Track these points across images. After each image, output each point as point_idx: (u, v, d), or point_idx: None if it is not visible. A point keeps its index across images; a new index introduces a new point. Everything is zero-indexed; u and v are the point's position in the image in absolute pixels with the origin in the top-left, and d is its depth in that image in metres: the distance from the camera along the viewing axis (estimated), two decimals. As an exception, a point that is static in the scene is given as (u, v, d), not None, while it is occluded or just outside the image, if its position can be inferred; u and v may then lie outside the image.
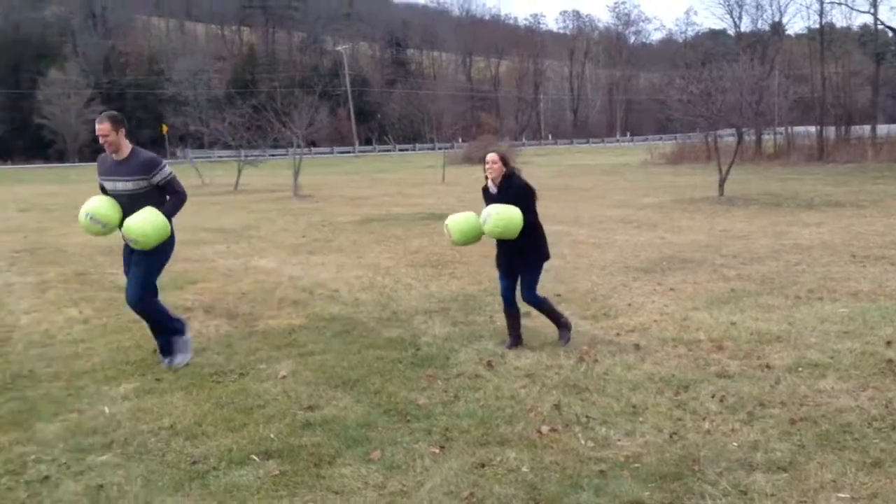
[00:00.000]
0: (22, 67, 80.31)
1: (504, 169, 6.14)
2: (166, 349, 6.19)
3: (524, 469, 4.01)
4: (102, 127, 5.81)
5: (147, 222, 5.79)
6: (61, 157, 77.62)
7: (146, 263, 6.01)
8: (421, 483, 3.88)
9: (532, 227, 6.12)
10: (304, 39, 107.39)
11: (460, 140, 65.46)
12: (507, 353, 6.15)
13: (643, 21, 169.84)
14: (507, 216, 5.94)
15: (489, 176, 6.19)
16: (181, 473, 4.07)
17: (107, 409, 5.12)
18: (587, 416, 4.72)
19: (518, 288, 6.38)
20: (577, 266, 10.20)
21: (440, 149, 61.03)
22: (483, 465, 4.06)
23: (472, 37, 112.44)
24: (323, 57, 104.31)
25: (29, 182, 43.83)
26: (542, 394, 5.18)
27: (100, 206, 5.97)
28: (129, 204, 5.92)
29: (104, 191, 6.16)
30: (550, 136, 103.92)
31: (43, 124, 76.47)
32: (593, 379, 5.45)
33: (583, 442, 4.35)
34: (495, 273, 9.63)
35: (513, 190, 6.12)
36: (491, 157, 6.17)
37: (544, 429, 4.53)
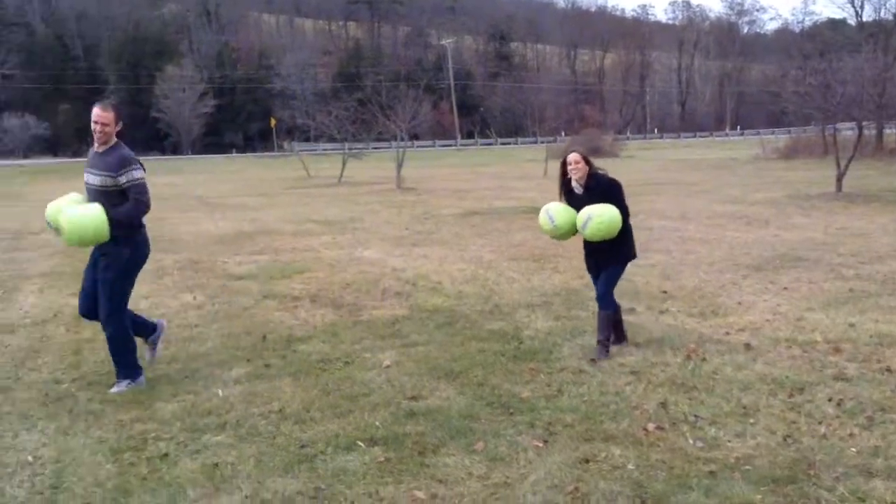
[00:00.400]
0: (141, 64, 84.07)
1: (588, 168, 5.95)
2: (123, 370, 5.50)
3: (630, 466, 3.94)
4: (105, 115, 5.28)
5: (75, 210, 5.21)
6: (176, 150, 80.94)
7: (109, 275, 5.34)
8: (524, 476, 3.87)
9: (626, 223, 5.95)
10: (409, 33, 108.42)
11: (563, 134, 64.88)
12: (611, 348, 6.04)
13: (757, 10, 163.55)
14: (606, 218, 5.75)
15: (573, 177, 5.98)
16: (290, 456, 4.18)
17: (220, 392, 5.30)
18: (695, 416, 4.60)
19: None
20: (684, 262, 9.96)
21: (542, 142, 60.67)
22: (587, 461, 4.02)
23: (577, 29, 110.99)
24: (427, 51, 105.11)
25: (146, 173, 45.83)
26: (647, 391, 5.08)
27: (51, 211, 5.36)
28: (91, 201, 5.34)
29: None
30: (656, 130, 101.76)
31: (159, 118, 79.94)
32: (701, 378, 5.31)
33: (691, 441, 4.24)
34: (599, 268, 9.58)
35: (601, 187, 5.92)
36: (573, 157, 5.97)
37: (650, 427, 4.44)
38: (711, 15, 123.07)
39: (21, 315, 7.98)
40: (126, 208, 5.28)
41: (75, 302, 8.65)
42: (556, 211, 6.10)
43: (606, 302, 6.00)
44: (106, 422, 4.79)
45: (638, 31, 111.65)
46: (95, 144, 5.35)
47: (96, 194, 5.28)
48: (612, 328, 6.14)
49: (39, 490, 3.86)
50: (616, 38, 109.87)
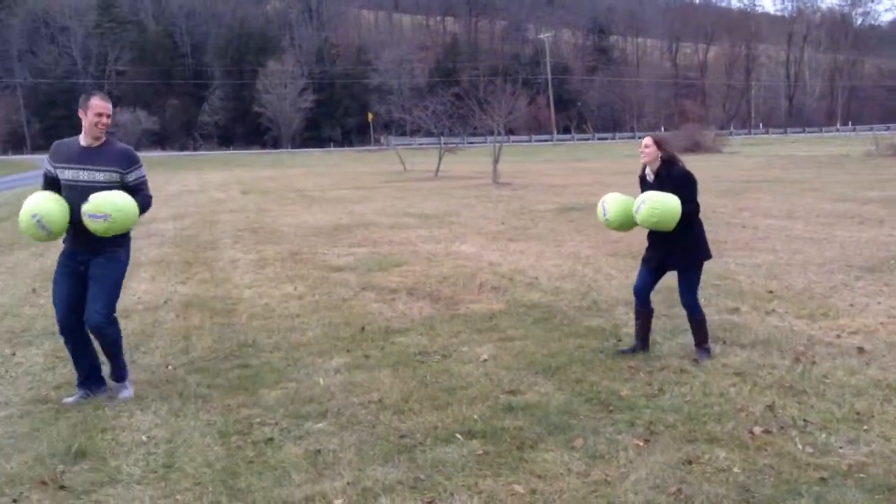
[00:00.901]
0: (245, 60, 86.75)
1: (659, 153, 5.66)
2: (92, 377, 5.25)
3: (735, 470, 3.83)
4: (109, 107, 5.03)
5: (119, 197, 4.87)
6: (276, 143, 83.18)
7: (112, 273, 5.07)
8: (625, 474, 3.81)
9: (692, 219, 5.63)
10: (506, 27, 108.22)
11: (663, 129, 63.53)
12: (713, 349, 5.88)
13: (872, 2, 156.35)
14: (662, 204, 5.41)
15: (643, 161, 5.75)
16: (390, 446, 4.23)
17: (321, 381, 5.41)
18: (805, 420, 4.43)
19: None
20: (792, 262, 9.61)
21: (641, 137, 59.60)
22: (690, 462, 3.92)
23: (680, 21, 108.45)
24: (524, 45, 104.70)
25: (248, 166, 47.30)
26: (753, 394, 4.92)
27: (50, 210, 4.87)
28: (76, 200, 4.90)
29: (52, 185, 5.10)
30: (761, 125, 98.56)
31: (261, 112, 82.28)
32: (811, 381, 5.11)
33: (800, 447, 4.09)
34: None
35: (672, 177, 5.63)
36: (645, 140, 5.74)
37: (756, 430, 4.30)
38: (823, 6, 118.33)
39: (134, 301, 8.33)
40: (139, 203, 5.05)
41: (184, 290, 9.05)
42: (610, 202, 5.91)
43: (696, 305, 5.78)
44: (214, 405, 4.96)
45: (744, 23, 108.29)
46: (84, 139, 4.99)
47: (92, 192, 4.85)
48: (637, 333, 5.95)
49: (153, 468, 4.03)
50: (721, 30, 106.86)
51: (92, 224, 4.79)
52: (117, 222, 4.82)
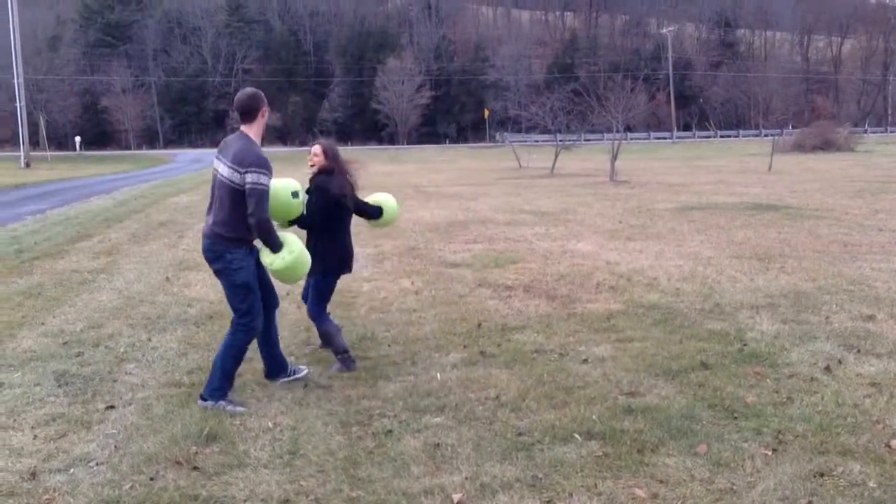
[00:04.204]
0: (365, 57, 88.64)
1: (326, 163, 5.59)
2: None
3: (871, 484, 3.64)
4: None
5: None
6: (392, 139, 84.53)
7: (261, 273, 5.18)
8: (752, 484, 3.68)
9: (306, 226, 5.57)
10: (627, 22, 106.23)
11: (790, 126, 60.98)
12: (846, 357, 5.61)
13: None
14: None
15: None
16: (508, 443, 4.24)
17: (438, 376, 5.47)
18: (948, 437, 4.17)
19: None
20: (933, 268, 9.05)
21: (767, 135, 57.37)
22: (822, 475, 3.75)
23: (812, 13, 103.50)
24: (645, 40, 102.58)
25: (365, 162, 48.17)
26: (891, 405, 4.66)
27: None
28: (220, 198, 4.91)
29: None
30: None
31: (378, 109, 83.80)
32: (955, 396, 4.80)
33: (944, 465, 3.85)
34: (832, 269, 8.93)
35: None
36: (314, 148, 5.65)
37: (894, 443, 4.08)
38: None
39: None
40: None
41: (303, 282, 9.29)
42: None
43: (318, 319, 5.77)
44: (335, 395, 5.09)
45: (882, 15, 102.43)
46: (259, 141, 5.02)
47: (220, 190, 4.95)
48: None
49: (279, 454, 4.17)
50: (856, 22, 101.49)
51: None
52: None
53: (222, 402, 4.86)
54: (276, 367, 5.45)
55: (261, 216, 4.77)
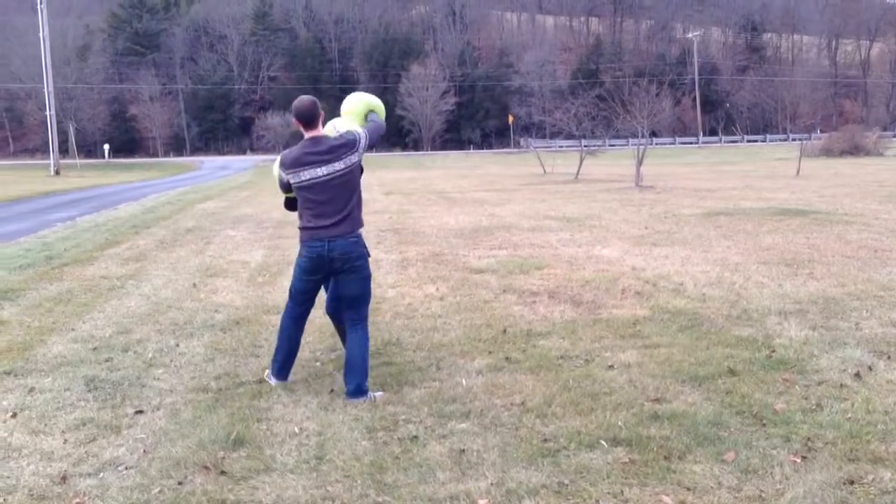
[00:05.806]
0: (389, 64, 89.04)
1: None
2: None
3: (903, 494, 3.60)
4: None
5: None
6: (416, 145, 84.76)
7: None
8: (781, 492, 3.64)
9: None
10: (652, 27, 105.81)
11: (818, 130, 60.39)
12: (877, 364, 5.54)
13: None
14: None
15: None
16: (533, 449, 4.23)
17: (463, 382, 5.47)
18: (982, 446, 4.11)
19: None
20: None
21: (795, 140, 56.86)
22: (853, 482, 3.71)
23: (840, 17, 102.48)
24: (671, 45, 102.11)
25: (390, 168, 48.43)
26: (922, 414, 4.60)
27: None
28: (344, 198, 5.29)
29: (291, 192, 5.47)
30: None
31: (403, 115, 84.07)
32: None
33: (977, 474, 3.79)
34: (861, 275, 8.83)
35: None
36: None
37: (926, 453, 4.03)
38: None
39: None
40: None
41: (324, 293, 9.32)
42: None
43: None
44: (361, 401, 5.10)
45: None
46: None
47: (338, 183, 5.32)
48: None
49: (306, 459, 4.19)
50: (886, 26, 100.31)
51: None
52: None
53: (371, 394, 5.19)
54: (289, 369, 5.65)
55: (372, 138, 5.49)
